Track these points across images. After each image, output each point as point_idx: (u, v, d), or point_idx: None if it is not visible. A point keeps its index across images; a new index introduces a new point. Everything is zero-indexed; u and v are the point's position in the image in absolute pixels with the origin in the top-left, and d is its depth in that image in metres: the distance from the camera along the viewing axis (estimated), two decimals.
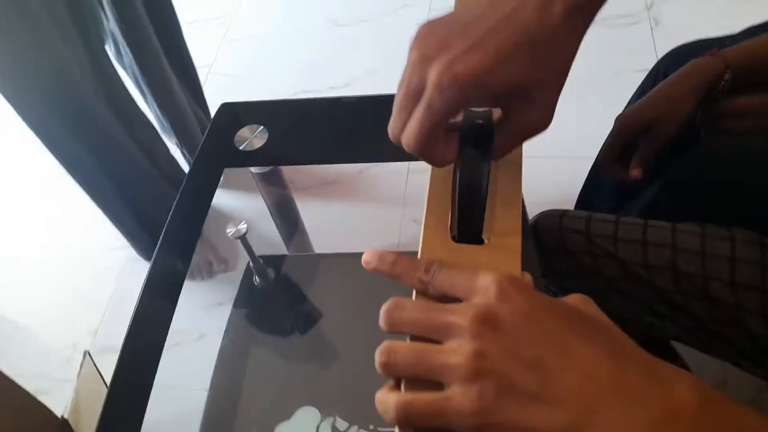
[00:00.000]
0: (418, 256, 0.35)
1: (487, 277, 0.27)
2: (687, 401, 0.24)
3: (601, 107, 1.34)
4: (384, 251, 0.33)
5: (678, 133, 0.61)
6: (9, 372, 1.12)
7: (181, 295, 1.12)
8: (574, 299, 0.29)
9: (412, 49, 0.32)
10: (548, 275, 0.69)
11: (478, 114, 0.36)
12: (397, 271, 0.32)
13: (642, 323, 0.66)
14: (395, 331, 0.29)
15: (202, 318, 1.18)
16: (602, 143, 0.82)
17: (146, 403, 0.58)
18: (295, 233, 1.03)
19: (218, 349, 0.78)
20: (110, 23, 0.97)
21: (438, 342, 0.27)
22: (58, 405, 0.86)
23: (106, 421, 0.55)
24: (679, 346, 0.78)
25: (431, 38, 0.31)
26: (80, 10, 0.87)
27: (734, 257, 0.58)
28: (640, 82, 0.81)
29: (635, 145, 0.66)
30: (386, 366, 0.28)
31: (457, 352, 0.26)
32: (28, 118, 0.93)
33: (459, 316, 0.26)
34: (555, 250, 0.66)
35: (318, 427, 0.68)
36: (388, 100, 0.77)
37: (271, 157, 0.77)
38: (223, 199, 1.36)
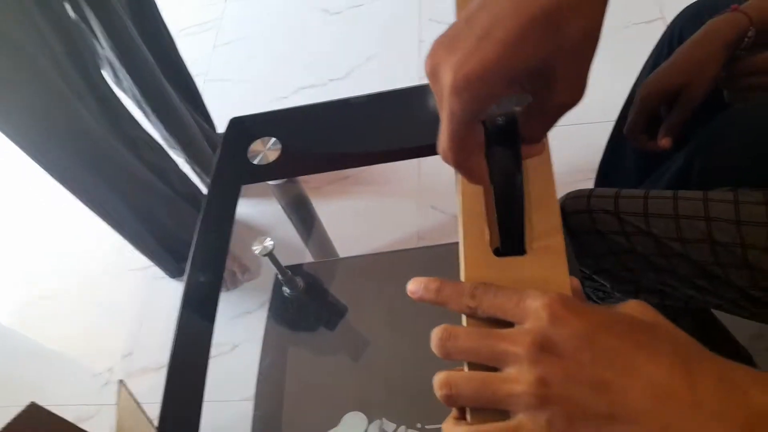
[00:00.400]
0: (461, 277, 0.34)
1: (537, 300, 0.27)
2: (764, 407, 0.23)
3: (609, 66, 1.33)
4: (428, 279, 0.32)
5: (706, 97, 0.60)
6: (51, 402, 1.15)
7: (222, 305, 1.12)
8: (631, 307, 0.28)
9: (425, 65, 0.30)
10: (581, 258, 0.68)
11: (499, 113, 0.34)
12: (443, 299, 0.31)
13: (682, 297, 0.65)
14: (451, 359, 0.29)
15: (233, 328, 1.19)
16: (620, 108, 0.81)
17: (199, 418, 0.59)
18: (316, 237, 1.03)
19: (255, 358, 0.79)
20: (105, 50, 0.96)
21: (495, 369, 0.27)
22: (102, 429, 0.88)
23: None
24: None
25: (439, 45, 0.29)
26: (74, 44, 0.85)
27: None
28: (646, 35, 0.78)
29: (660, 114, 0.65)
30: (449, 398, 0.28)
31: (520, 380, 0.25)
32: (38, 159, 0.93)
33: (516, 345, 0.26)
34: (586, 233, 0.66)
35: (366, 430, 0.68)
36: (395, 95, 0.77)
37: (287, 168, 0.76)
38: (240, 208, 1.36)
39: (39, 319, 1.38)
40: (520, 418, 0.25)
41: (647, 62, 0.79)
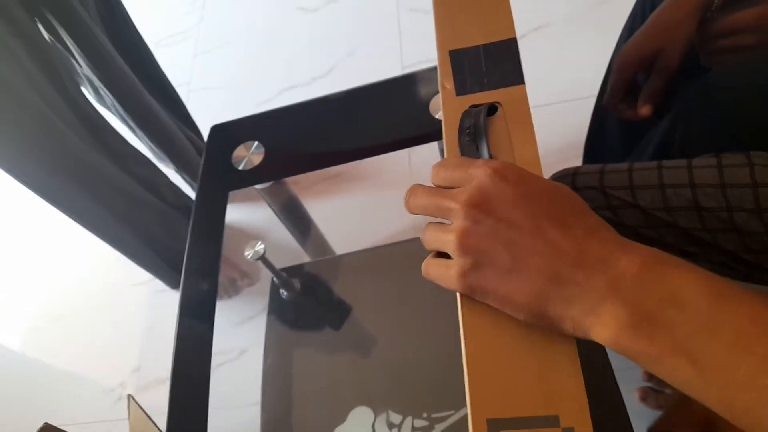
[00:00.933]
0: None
1: (480, 167, 0.32)
2: (627, 269, 0.28)
3: (591, 42, 1.32)
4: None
5: (682, 62, 0.60)
6: (65, 421, 1.16)
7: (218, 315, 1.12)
8: (563, 185, 0.33)
9: None
10: None
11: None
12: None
13: None
14: (414, 213, 0.35)
15: (238, 334, 1.20)
16: (601, 82, 0.81)
17: (206, 426, 0.60)
18: (310, 237, 1.03)
19: (261, 363, 0.79)
20: (83, 69, 0.95)
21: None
22: None
23: None
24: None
25: None
26: (52, 66, 0.85)
27: (755, 182, 0.57)
28: (630, 7, 0.79)
29: (638, 82, 0.65)
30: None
31: (452, 230, 0.31)
32: (27, 183, 0.93)
33: (454, 201, 0.32)
34: None
35: (373, 424, 0.69)
36: (376, 87, 0.77)
37: (272, 171, 0.76)
38: (232, 214, 1.36)
39: (49, 342, 1.39)
40: (453, 259, 0.32)
41: (623, 32, 0.79)
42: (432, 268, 0.34)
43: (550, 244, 0.29)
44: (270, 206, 0.92)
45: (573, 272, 0.28)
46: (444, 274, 0.32)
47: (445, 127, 0.38)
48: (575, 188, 0.65)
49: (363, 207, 1.29)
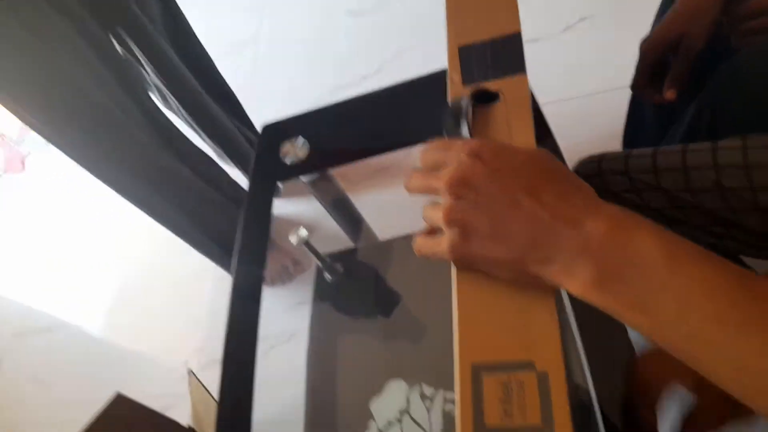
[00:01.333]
0: None
1: (457, 146, 0.35)
2: (595, 230, 0.31)
3: (628, 31, 1.30)
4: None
5: (707, 45, 0.60)
6: (140, 394, 1.27)
7: (267, 301, 1.20)
8: (540, 151, 0.35)
9: None
10: None
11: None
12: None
13: (704, 246, 0.66)
14: (412, 194, 0.39)
15: (289, 319, 1.27)
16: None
17: (251, 405, 0.65)
18: (356, 227, 1.09)
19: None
20: (152, 77, 1.06)
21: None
22: (184, 416, 0.98)
23: (221, 426, 0.63)
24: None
25: None
26: (125, 76, 0.96)
27: None
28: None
29: (667, 66, 0.65)
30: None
31: (440, 207, 0.35)
32: (105, 179, 1.05)
33: (439, 181, 0.35)
34: (600, 195, 0.67)
35: (407, 396, 0.73)
36: (411, 83, 0.82)
37: (316, 163, 0.82)
38: (286, 208, 1.45)
39: (122, 324, 1.54)
40: (443, 233, 0.35)
41: (655, 19, 0.79)
42: (423, 246, 0.37)
43: (525, 211, 0.32)
44: (317, 199, 0.99)
45: (546, 235, 0.32)
46: (435, 248, 0.36)
47: None
48: (600, 172, 0.67)
49: (405, 199, 1.33)
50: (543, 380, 0.30)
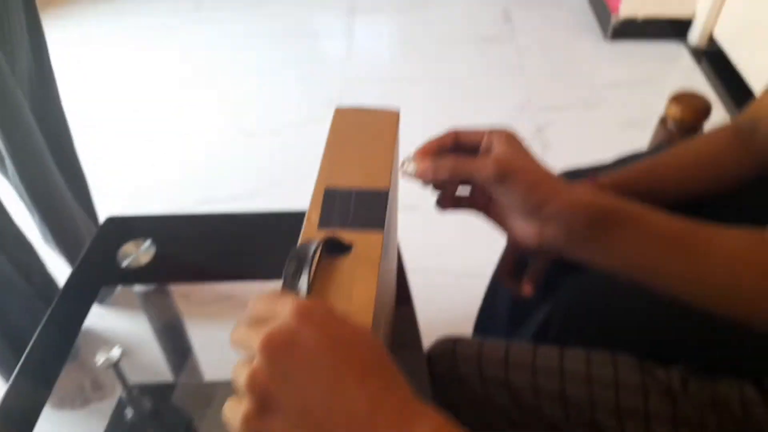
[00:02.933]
0: None
1: (287, 302, 0.30)
2: None
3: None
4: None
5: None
6: None
7: (47, 426, 0.97)
8: (368, 332, 0.31)
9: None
10: (441, 405, 0.67)
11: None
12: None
13: None
14: (233, 347, 0.33)
15: None
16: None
17: None
18: (183, 358, 0.95)
19: None
20: None
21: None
22: None
23: None
24: None
25: None
26: None
27: (618, 383, 0.59)
28: None
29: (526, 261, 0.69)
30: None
31: (244, 367, 0.29)
32: None
33: (254, 334, 0.29)
34: (447, 378, 0.65)
35: None
36: (280, 216, 0.78)
37: (157, 274, 0.72)
38: (107, 319, 1.25)
39: None
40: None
41: None
42: (228, 407, 0.30)
43: (346, 399, 0.28)
44: (146, 314, 0.86)
45: None
46: (232, 413, 0.29)
47: None
48: (453, 355, 0.66)
49: None
50: None
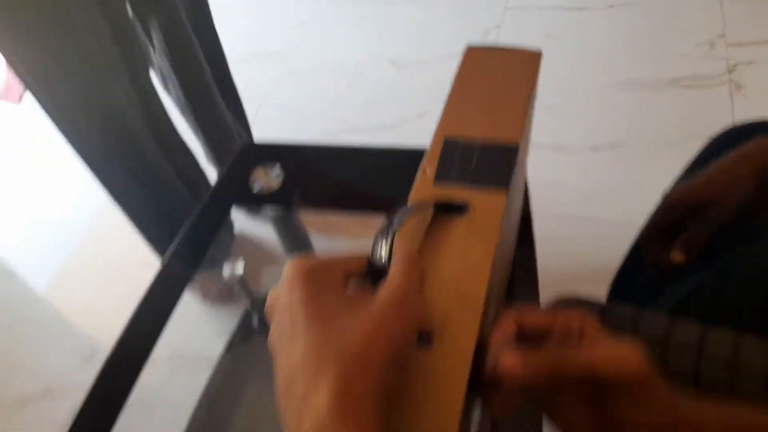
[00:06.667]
0: None
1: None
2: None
3: (662, 173, 1.27)
4: None
5: (732, 219, 0.56)
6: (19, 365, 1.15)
7: (198, 320, 1.10)
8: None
9: None
10: None
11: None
12: None
13: None
14: None
15: (212, 346, 1.17)
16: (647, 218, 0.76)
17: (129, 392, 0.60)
18: None
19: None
20: (158, 56, 1.00)
21: None
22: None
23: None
24: None
25: None
26: (127, 42, 0.90)
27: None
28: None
29: (682, 226, 0.60)
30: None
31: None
32: (72, 140, 0.97)
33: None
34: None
35: None
36: (408, 153, 0.76)
37: (284, 199, 0.75)
38: (241, 238, 1.37)
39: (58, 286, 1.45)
40: None
41: (682, 173, 0.74)
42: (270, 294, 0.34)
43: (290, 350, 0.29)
44: (277, 234, 0.91)
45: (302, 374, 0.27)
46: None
47: None
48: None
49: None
50: None
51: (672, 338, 0.55)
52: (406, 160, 0.74)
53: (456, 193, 0.36)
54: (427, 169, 0.37)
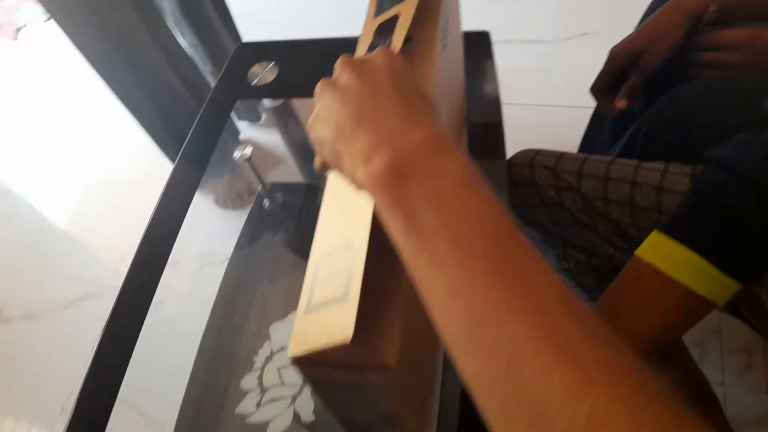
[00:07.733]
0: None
1: (341, 61, 0.37)
2: (413, 137, 0.30)
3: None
4: None
5: (668, 67, 0.62)
6: (68, 276, 1.28)
7: (214, 221, 1.20)
8: (389, 55, 0.36)
9: None
10: (516, 207, 0.73)
11: None
12: None
13: (605, 255, 0.70)
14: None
15: (231, 242, 1.30)
16: None
17: (154, 290, 0.67)
18: (310, 163, 1.11)
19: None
20: None
21: None
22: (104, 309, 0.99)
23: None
24: None
25: None
26: None
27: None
28: None
29: (626, 77, 0.67)
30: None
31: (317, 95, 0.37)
32: (92, 59, 1.06)
33: (320, 83, 0.37)
34: (525, 184, 0.71)
35: None
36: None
37: (279, 90, 0.84)
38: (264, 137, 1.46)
39: (68, 203, 1.57)
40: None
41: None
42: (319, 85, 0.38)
43: (381, 99, 0.33)
44: (276, 125, 1.00)
45: (370, 117, 0.32)
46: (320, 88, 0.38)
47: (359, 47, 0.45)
48: (532, 163, 0.70)
49: None
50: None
51: (610, 174, 0.65)
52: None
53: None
54: (369, 12, 0.46)
